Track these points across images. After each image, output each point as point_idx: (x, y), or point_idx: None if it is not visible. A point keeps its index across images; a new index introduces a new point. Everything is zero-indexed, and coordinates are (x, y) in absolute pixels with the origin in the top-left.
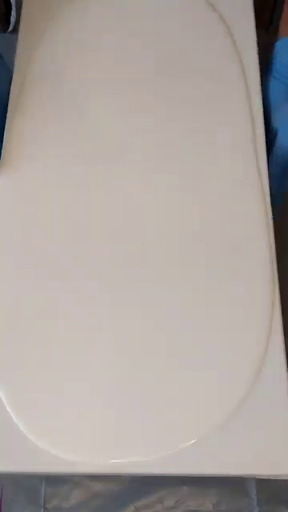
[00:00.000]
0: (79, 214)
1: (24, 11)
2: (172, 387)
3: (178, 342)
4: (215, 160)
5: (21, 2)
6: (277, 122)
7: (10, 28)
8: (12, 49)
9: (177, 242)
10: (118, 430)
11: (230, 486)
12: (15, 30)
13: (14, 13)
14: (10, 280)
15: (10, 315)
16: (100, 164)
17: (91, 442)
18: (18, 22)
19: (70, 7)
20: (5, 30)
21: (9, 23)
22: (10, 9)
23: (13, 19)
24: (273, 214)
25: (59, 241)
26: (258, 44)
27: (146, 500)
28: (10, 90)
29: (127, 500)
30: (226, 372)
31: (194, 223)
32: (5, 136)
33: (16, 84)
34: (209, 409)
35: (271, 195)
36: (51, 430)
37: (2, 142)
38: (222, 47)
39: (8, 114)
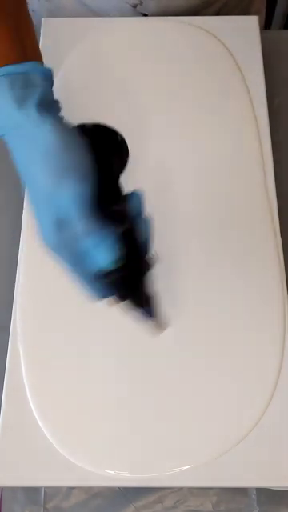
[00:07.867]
0: None
1: None
2: (200, 404)
3: (203, 361)
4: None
5: None
6: None
7: None
8: None
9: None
10: (153, 443)
11: None
12: None
13: None
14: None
15: (42, 333)
16: None
17: (123, 456)
18: None
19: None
20: None
21: None
22: None
23: None
24: None
25: None
26: None
27: (146, 500)
28: None
29: (127, 500)
30: (245, 386)
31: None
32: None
33: None
34: (233, 423)
35: None
36: (86, 445)
37: None
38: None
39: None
